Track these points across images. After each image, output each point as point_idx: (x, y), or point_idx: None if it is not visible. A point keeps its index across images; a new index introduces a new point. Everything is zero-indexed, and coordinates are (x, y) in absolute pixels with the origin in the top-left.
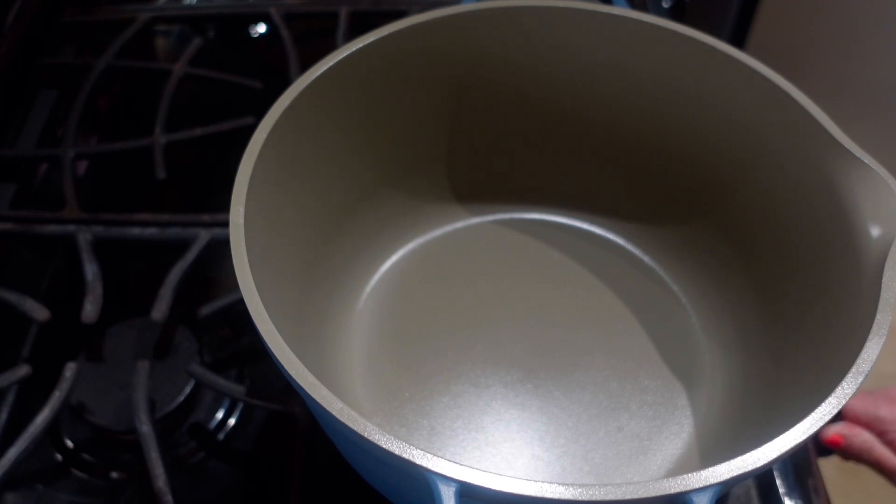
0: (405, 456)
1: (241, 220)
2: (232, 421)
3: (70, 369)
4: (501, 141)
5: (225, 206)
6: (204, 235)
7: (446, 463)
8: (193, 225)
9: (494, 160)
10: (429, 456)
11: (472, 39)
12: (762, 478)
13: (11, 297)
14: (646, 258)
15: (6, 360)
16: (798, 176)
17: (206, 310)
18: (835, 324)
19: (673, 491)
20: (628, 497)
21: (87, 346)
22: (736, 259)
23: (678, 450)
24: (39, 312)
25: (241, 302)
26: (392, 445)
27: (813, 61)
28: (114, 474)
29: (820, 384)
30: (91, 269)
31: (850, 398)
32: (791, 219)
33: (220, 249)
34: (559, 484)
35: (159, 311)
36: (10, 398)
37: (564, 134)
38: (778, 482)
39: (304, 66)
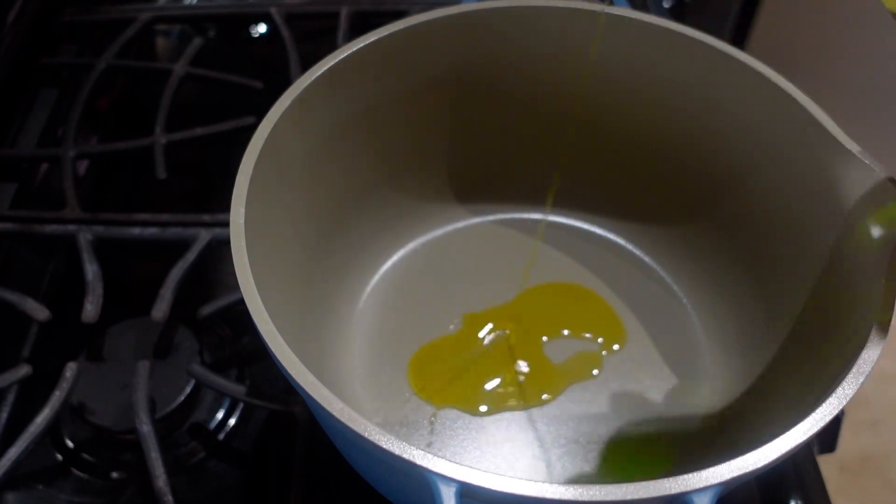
0: (405, 456)
1: (242, 220)
2: (232, 421)
3: (70, 369)
4: (501, 141)
5: (225, 206)
6: (204, 235)
7: (447, 463)
8: (194, 225)
9: (495, 160)
10: (429, 456)
11: (473, 39)
12: (763, 478)
13: (12, 296)
14: (646, 258)
15: (6, 360)
16: (799, 176)
17: (206, 310)
18: (835, 323)
19: (673, 491)
20: (628, 497)
21: (87, 346)
22: (736, 259)
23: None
24: (40, 312)
25: (242, 302)
26: (392, 445)
27: (813, 61)
28: (114, 474)
29: (821, 384)
30: (91, 269)
31: (852, 398)
32: (792, 219)
33: (220, 249)
34: (559, 484)
35: (160, 310)
36: (10, 398)
37: (564, 134)
38: (778, 482)
39: (305, 66)
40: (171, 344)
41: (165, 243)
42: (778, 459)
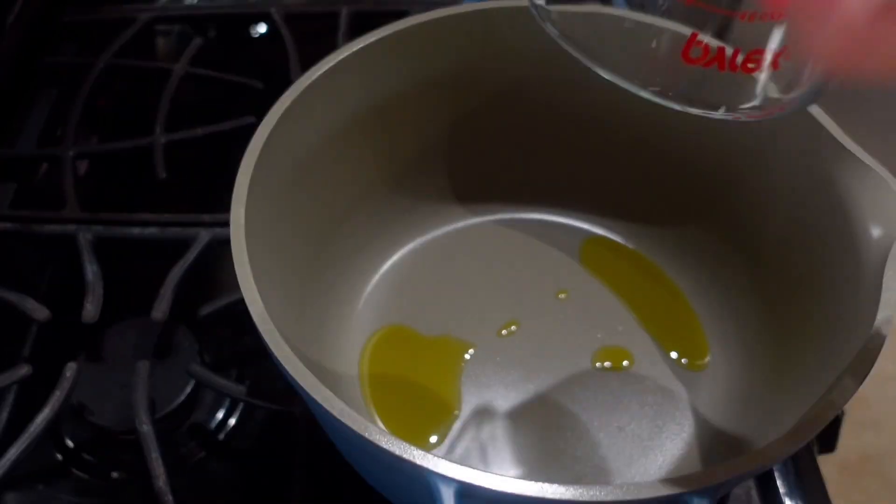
0: (405, 456)
1: (242, 221)
2: (232, 421)
3: (70, 369)
4: (501, 141)
5: (225, 206)
6: (204, 235)
7: (446, 463)
8: (194, 225)
9: (494, 160)
10: (429, 456)
11: (473, 39)
12: (762, 478)
13: (12, 296)
14: (646, 258)
15: (6, 360)
16: (799, 176)
17: (206, 309)
18: (836, 324)
19: (673, 491)
20: (628, 497)
21: (87, 346)
22: (737, 259)
23: (678, 450)
24: (40, 312)
25: (242, 302)
26: (392, 446)
27: None
28: (114, 474)
29: (821, 383)
30: (91, 269)
31: (852, 399)
32: (792, 219)
33: (220, 249)
34: (559, 484)
35: (159, 310)
36: (10, 398)
37: (565, 134)
38: (778, 482)
39: (305, 65)
40: (171, 344)
41: (165, 243)
42: (776, 460)
